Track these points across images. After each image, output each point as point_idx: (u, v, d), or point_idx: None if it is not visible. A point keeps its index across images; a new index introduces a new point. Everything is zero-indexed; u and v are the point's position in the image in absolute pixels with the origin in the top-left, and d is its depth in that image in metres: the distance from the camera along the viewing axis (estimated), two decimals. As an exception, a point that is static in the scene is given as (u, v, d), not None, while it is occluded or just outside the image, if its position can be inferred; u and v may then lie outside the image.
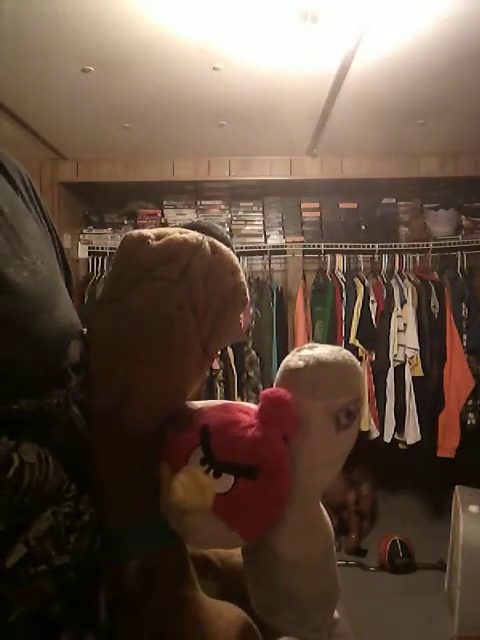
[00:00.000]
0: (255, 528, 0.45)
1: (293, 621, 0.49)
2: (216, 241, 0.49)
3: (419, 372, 3.03)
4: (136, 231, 0.48)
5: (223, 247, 0.50)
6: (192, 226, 0.52)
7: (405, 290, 3.09)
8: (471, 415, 3.04)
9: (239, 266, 0.51)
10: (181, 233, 0.48)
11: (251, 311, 3.17)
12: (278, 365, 0.48)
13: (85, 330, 0.51)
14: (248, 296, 0.52)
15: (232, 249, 0.52)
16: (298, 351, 0.47)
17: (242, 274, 0.50)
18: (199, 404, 0.51)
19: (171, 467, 0.44)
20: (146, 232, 0.48)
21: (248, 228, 3.41)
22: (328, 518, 0.49)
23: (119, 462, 0.47)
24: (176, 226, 0.52)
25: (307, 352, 0.46)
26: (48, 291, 0.48)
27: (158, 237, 0.47)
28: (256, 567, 0.49)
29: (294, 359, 0.46)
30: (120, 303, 0.47)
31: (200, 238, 0.48)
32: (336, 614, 0.50)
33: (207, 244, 0.48)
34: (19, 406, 0.42)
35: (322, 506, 0.48)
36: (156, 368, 0.46)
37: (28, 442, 0.41)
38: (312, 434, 0.44)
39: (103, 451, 0.47)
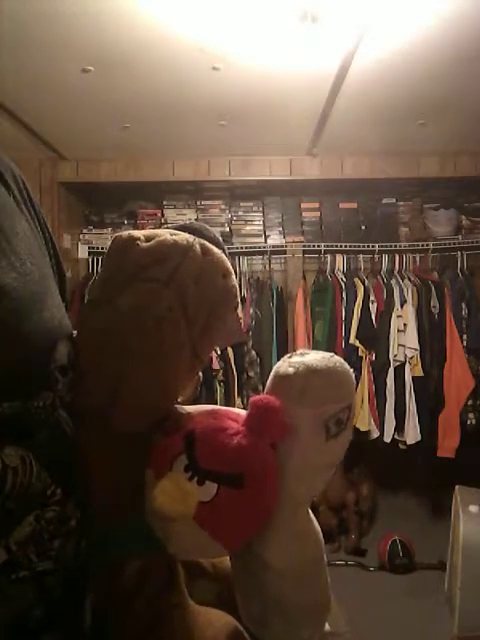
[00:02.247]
0: (237, 538, 0.44)
1: (283, 633, 0.47)
2: (207, 243, 0.49)
3: (419, 372, 3.03)
4: (126, 232, 0.48)
5: (214, 249, 0.49)
6: (184, 228, 0.51)
7: (405, 290, 3.08)
8: (471, 415, 3.03)
9: (231, 269, 0.50)
10: (172, 235, 0.48)
11: (251, 311, 3.16)
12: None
13: (74, 332, 0.50)
14: (239, 299, 0.51)
15: (224, 251, 0.52)
16: (289, 357, 0.46)
17: (234, 277, 0.50)
18: (189, 409, 0.51)
19: (155, 473, 0.43)
20: (136, 233, 0.47)
21: (248, 228, 3.40)
22: (318, 527, 0.47)
23: (108, 462, 0.46)
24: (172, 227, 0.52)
25: (297, 359, 0.44)
26: (37, 292, 0.47)
27: (148, 239, 0.47)
28: (245, 576, 0.48)
29: (284, 365, 0.45)
30: (111, 303, 0.47)
31: (190, 240, 0.48)
32: (327, 627, 0.49)
33: (197, 246, 0.48)
34: (3, 409, 0.41)
35: (312, 514, 0.47)
36: (147, 367, 0.46)
37: (11, 446, 0.41)
38: (300, 442, 0.43)
39: (93, 451, 0.47)
